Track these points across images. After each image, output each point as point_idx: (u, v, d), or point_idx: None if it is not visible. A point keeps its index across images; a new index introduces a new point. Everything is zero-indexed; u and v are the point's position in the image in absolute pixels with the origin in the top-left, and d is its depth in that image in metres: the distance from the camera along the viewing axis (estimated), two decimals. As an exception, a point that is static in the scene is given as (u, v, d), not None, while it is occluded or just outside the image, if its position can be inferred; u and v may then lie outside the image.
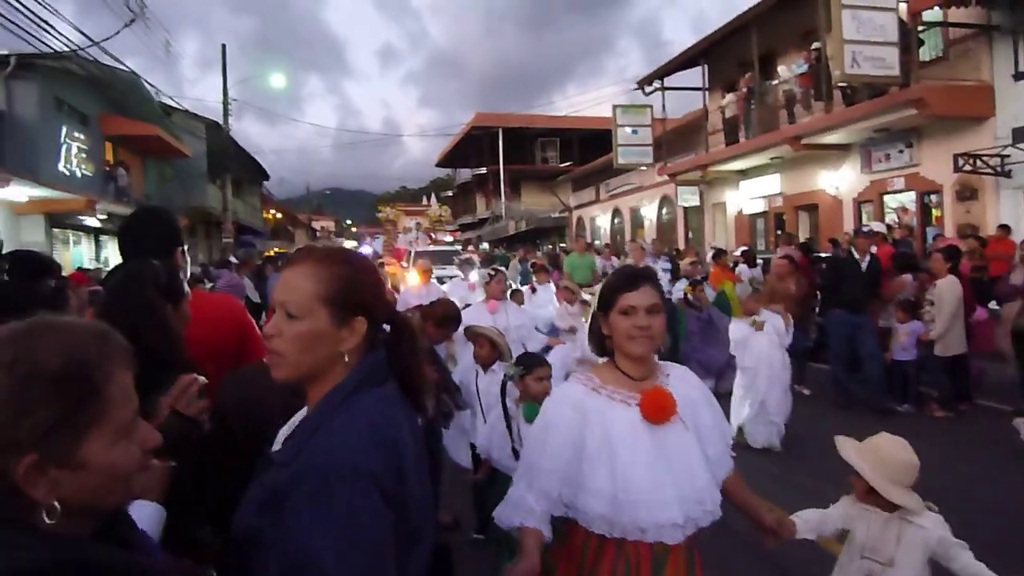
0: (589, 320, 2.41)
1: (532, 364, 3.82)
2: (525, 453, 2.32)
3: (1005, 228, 11.51)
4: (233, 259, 11.63)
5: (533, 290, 10.80)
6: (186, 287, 2.38)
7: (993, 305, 8.79)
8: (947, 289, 7.94)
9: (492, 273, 6.98)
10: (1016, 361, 8.12)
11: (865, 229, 9.83)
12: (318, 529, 1.33)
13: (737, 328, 7.31)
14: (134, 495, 1.10)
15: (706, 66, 21.69)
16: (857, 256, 8.67)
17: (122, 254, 2.83)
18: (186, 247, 2.92)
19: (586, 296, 8.81)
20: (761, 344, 7.08)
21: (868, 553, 2.73)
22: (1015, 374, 8.23)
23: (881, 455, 2.74)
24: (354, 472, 1.38)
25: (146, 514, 1.69)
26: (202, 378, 1.99)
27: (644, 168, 25.14)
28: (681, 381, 2.36)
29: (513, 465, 3.55)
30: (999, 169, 12.59)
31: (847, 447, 2.83)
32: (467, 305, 7.44)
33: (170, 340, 2.11)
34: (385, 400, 1.54)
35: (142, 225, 2.83)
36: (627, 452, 2.15)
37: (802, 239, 15.29)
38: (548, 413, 2.30)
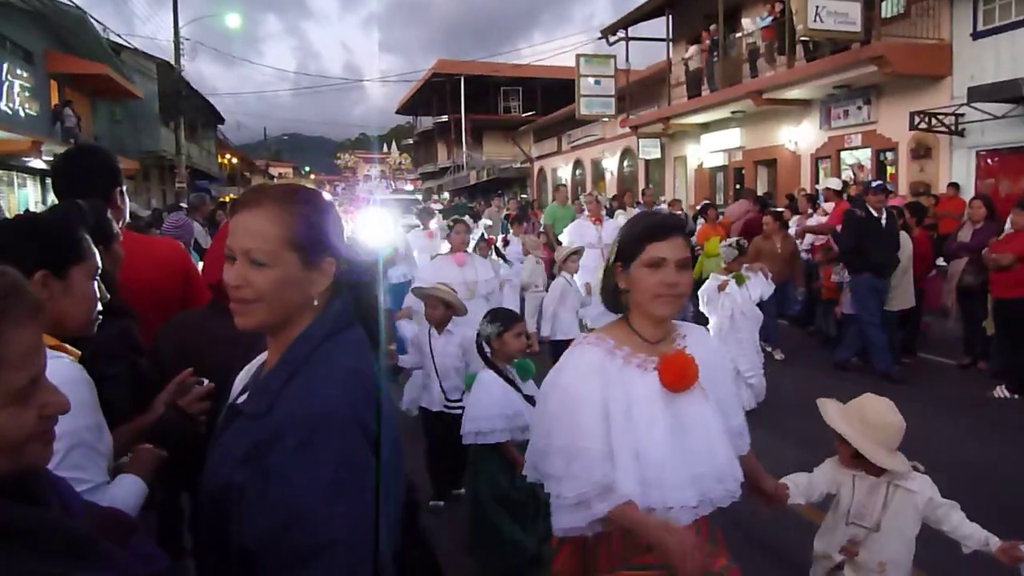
0: (602, 272, 2.11)
1: (509, 321, 3.55)
2: (552, 441, 1.94)
3: (955, 187, 11.74)
4: (184, 204, 11.33)
5: (506, 242, 10.72)
6: (116, 227, 2.29)
7: (940, 262, 9.00)
8: (900, 245, 8.10)
9: (451, 224, 6.56)
10: (961, 317, 8.37)
11: (876, 184, 8.94)
12: (308, 476, 1.30)
13: (707, 286, 7.02)
14: (24, 464, 1.01)
15: (671, 16, 21.48)
16: (875, 214, 7.92)
17: (57, 195, 2.73)
18: (124, 188, 2.81)
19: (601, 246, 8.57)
20: (726, 305, 6.72)
21: (854, 519, 2.58)
22: (958, 329, 8.50)
23: (867, 418, 2.56)
24: (342, 417, 1.35)
25: (128, 488, 1.74)
26: (208, 382, 1.99)
27: (606, 120, 25.00)
28: (700, 344, 2.08)
29: (496, 424, 3.44)
30: (953, 128, 12.78)
31: (831, 410, 2.63)
32: (435, 256, 7.32)
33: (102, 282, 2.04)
34: (357, 345, 1.50)
35: (77, 165, 2.72)
36: (644, 424, 1.89)
37: (759, 194, 15.40)
38: (571, 385, 1.94)
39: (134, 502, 1.77)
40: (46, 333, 1.62)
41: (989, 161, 12.80)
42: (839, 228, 8.71)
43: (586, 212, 10.48)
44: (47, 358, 1.03)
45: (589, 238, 9.61)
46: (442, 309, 4.52)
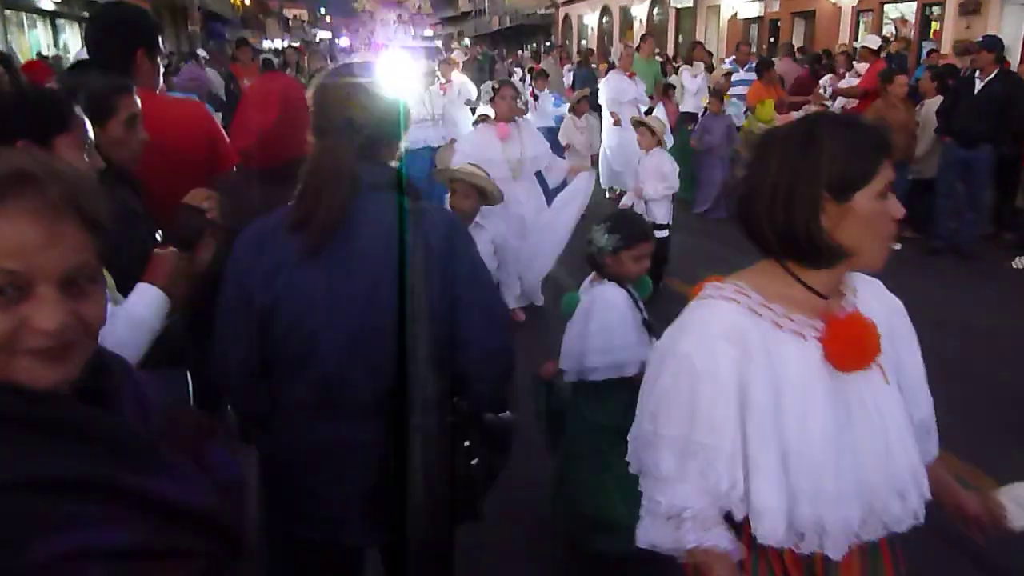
0: (769, 192, 1.37)
1: (631, 237, 2.75)
2: (661, 428, 1.42)
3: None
4: (202, 52, 11.01)
5: (535, 97, 10.33)
6: (132, 101, 2.24)
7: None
8: (933, 111, 7.81)
9: (497, 87, 5.44)
10: (992, 186, 8.19)
11: (982, 39, 7.66)
12: None
13: None
14: (16, 381, 0.92)
15: None
16: (978, 76, 7.10)
17: (88, 52, 2.74)
18: (155, 47, 2.73)
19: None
20: None
21: None
22: (990, 198, 8.35)
23: None
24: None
25: (143, 298, 1.81)
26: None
27: (638, -37, 23.61)
28: (875, 300, 1.52)
29: (635, 354, 2.69)
30: (1008, -19, 12.00)
31: None
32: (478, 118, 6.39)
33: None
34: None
35: (99, 24, 2.69)
36: (798, 415, 1.35)
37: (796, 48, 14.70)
38: (695, 355, 1.37)
39: (151, 313, 1.81)
40: None
41: (1042, 19, 12.10)
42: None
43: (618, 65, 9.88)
44: (62, 266, 0.95)
45: (630, 94, 9.21)
46: (475, 198, 3.64)
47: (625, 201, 5.92)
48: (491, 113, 5.44)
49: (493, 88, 5.46)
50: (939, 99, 7.81)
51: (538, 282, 5.39)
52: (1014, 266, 7.16)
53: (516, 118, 5.42)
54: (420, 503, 1.70)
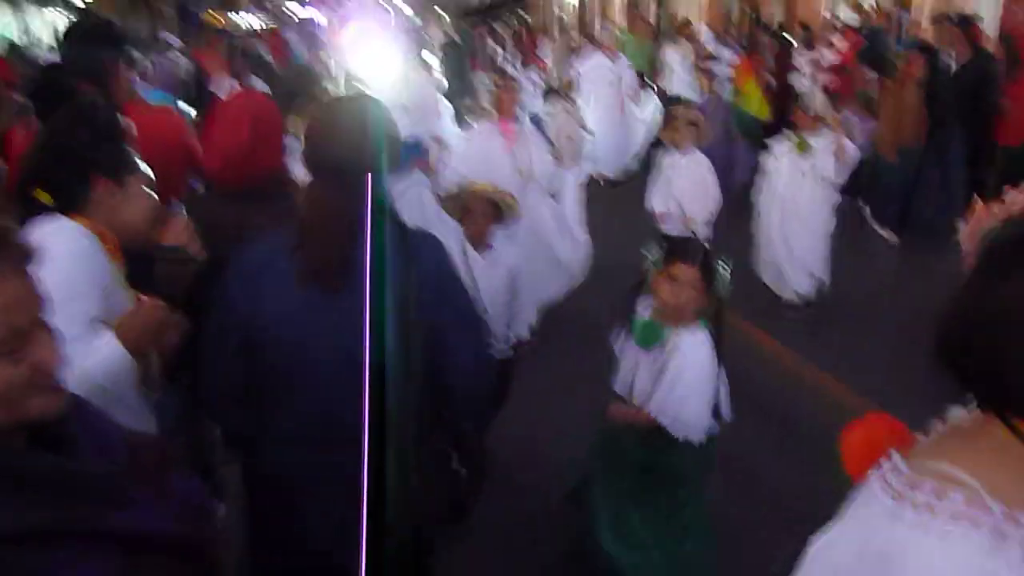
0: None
1: (671, 253, 2.37)
2: None
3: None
4: (172, 39, 10.72)
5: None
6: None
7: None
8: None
9: (499, 82, 4.77)
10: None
11: (958, 16, 7.47)
12: None
13: (771, 153, 5.38)
14: (32, 417, 0.98)
15: None
16: (953, 55, 6.97)
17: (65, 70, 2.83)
18: (128, 56, 2.79)
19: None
20: (782, 175, 5.21)
21: None
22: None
23: None
24: None
25: (109, 357, 1.62)
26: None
27: (617, -66, 23.30)
28: None
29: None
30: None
31: None
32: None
33: None
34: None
35: (80, 39, 2.78)
36: None
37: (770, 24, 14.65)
38: None
39: (102, 374, 1.56)
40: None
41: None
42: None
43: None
44: (44, 305, 1.00)
45: (608, 75, 8.84)
46: (491, 215, 3.07)
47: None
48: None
49: (496, 84, 4.76)
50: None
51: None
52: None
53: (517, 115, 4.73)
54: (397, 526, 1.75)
